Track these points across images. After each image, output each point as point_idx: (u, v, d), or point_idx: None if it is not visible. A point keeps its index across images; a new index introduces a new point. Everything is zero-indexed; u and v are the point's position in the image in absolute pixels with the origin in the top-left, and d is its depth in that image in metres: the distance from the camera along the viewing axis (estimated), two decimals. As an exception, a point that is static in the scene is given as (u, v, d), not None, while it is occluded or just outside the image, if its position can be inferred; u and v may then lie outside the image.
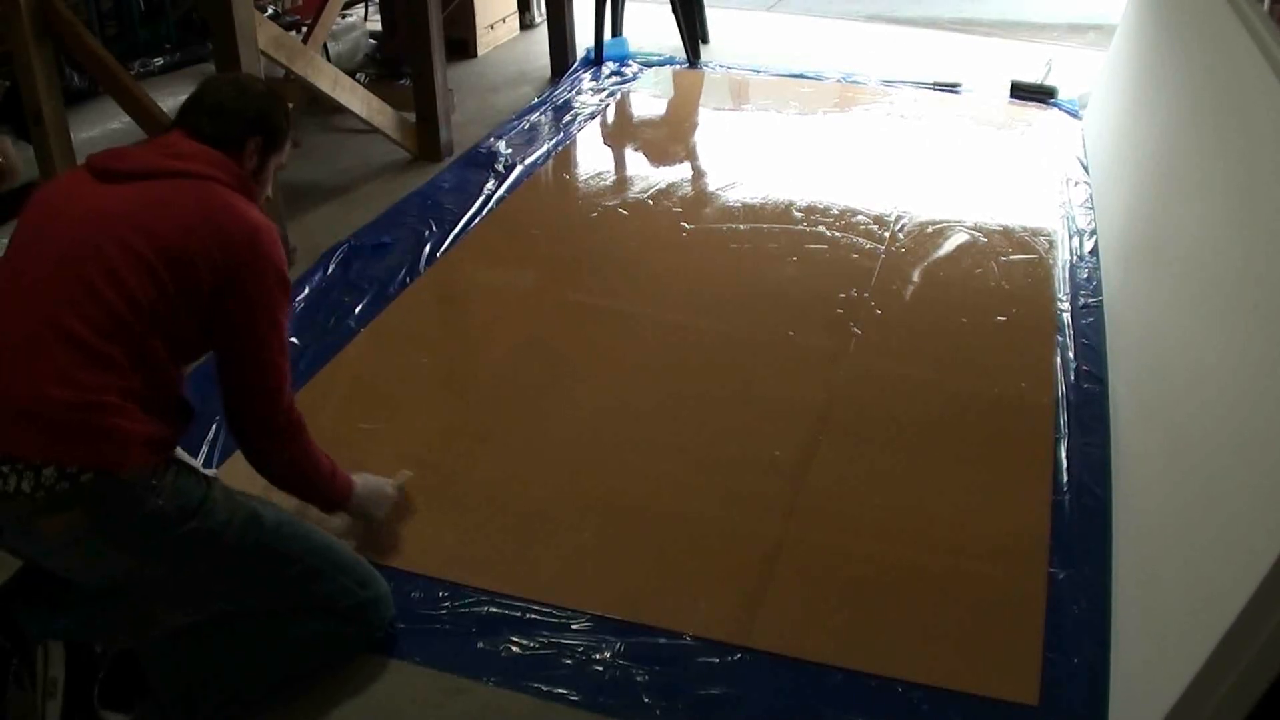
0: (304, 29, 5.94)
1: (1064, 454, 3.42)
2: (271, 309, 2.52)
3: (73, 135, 4.48)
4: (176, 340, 2.42)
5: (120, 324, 2.30)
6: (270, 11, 6.14)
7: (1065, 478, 3.32)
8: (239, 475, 3.22)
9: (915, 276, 4.41)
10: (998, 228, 4.82)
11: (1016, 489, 3.29)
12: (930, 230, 4.78)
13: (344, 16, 6.65)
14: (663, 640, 2.73)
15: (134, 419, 2.29)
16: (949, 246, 4.65)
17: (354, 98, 5.12)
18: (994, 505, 3.22)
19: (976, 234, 4.75)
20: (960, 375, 3.81)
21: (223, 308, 2.44)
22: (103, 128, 4.71)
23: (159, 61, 5.38)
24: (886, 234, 4.74)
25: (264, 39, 4.28)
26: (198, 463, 2.76)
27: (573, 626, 2.78)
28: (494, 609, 2.83)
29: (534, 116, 6.11)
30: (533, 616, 2.81)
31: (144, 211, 2.39)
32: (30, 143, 4.48)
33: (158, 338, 2.36)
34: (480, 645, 2.73)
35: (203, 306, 2.42)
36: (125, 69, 4.55)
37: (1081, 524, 3.14)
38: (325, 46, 5.97)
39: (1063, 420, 3.56)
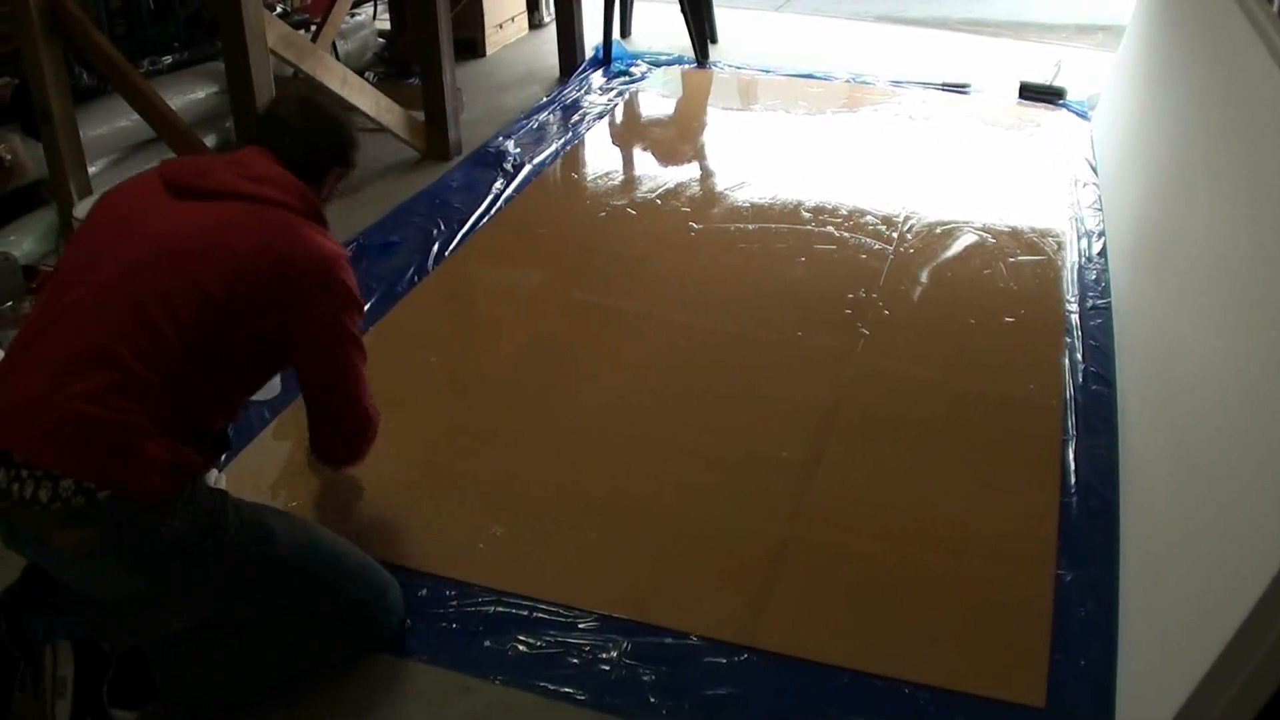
0: (313, 27, 5.95)
1: (1071, 456, 3.41)
2: (350, 330, 2.58)
3: (81, 133, 4.49)
4: (225, 375, 2.42)
5: (167, 355, 2.29)
6: (279, 10, 6.15)
7: (1073, 479, 3.31)
8: (245, 475, 3.26)
9: (923, 277, 4.41)
10: (1006, 229, 4.82)
11: (1024, 490, 3.29)
12: (939, 231, 4.77)
13: (353, 15, 6.65)
14: (669, 640, 2.73)
15: (160, 445, 2.26)
16: (957, 247, 4.65)
17: (363, 96, 5.12)
18: (1001, 506, 3.22)
19: (985, 235, 4.75)
20: (968, 376, 3.81)
21: (296, 336, 2.48)
22: (111, 126, 4.71)
23: (168, 60, 5.38)
24: (895, 234, 4.73)
25: (273, 37, 4.29)
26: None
27: (579, 626, 2.78)
28: (501, 608, 2.83)
29: (542, 116, 6.11)
30: (539, 615, 2.81)
31: (210, 238, 2.38)
32: (39, 141, 4.49)
33: (203, 373, 2.36)
34: (487, 644, 2.73)
35: (265, 338, 2.44)
36: (134, 67, 4.56)
37: (1089, 526, 3.14)
38: (334, 45, 5.97)
39: (1070, 422, 3.56)
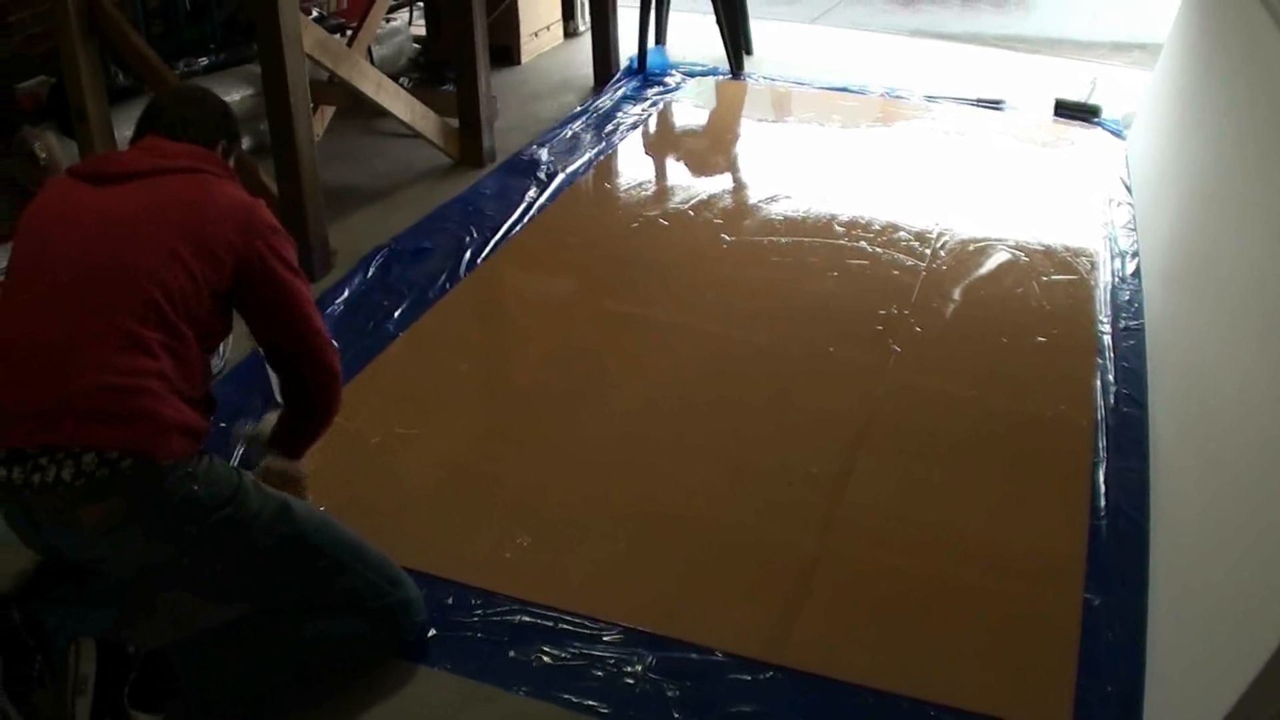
0: (348, 32, 5.96)
1: (1101, 477, 3.39)
2: (288, 259, 2.69)
3: (116, 133, 4.51)
4: (204, 327, 2.52)
5: (161, 316, 2.40)
6: (315, 14, 6.16)
7: (1103, 502, 3.29)
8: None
9: (956, 294, 4.39)
10: (1039, 247, 4.80)
11: (1053, 511, 3.27)
12: (972, 248, 4.75)
13: (388, 20, 6.67)
14: (694, 655, 2.72)
15: (173, 407, 2.37)
16: (990, 265, 4.63)
17: (397, 102, 5.13)
18: (1031, 526, 3.20)
19: (1018, 253, 4.73)
20: (999, 395, 3.79)
21: (253, 284, 2.62)
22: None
23: (204, 61, 5.41)
24: (928, 251, 4.72)
25: (309, 42, 4.29)
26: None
27: (604, 638, 2.77)
28: (526, 618, 2.83)
29: (576, 125, 6.11)
30: (564, 627, 2.80)
31: (159, 210, 2.51)
32: (74, 139, 4.52)
33: (190, 326, 2.46)
34: (511, 654, 2.73)
35: (222, 290, 2.56)
36: (170, 68, 4.58)
37: (1118, 549, 3.12)
38: (369, 50, 5.98)
39: (1101, 443, 3.54)
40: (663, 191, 5.36)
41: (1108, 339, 4.12)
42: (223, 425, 3.43)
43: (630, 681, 2.65)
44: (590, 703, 2.60)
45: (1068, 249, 4.80)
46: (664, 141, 6.21)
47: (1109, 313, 4.30)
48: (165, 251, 2.44)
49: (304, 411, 2.90)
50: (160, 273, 2.41)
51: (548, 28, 7.53)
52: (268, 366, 3.22)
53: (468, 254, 4.65)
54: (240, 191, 2.69)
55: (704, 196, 5.24)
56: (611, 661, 2.70)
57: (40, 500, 2.28)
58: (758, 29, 7.49)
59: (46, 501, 2.28)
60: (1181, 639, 2.58)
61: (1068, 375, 3.91)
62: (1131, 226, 5.01)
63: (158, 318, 2.39)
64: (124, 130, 4.51)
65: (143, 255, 2.42)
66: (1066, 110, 6.40)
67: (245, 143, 5.05)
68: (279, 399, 3.42)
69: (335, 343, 2.92)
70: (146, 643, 2.43)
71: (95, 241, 2.44)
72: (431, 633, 2.76)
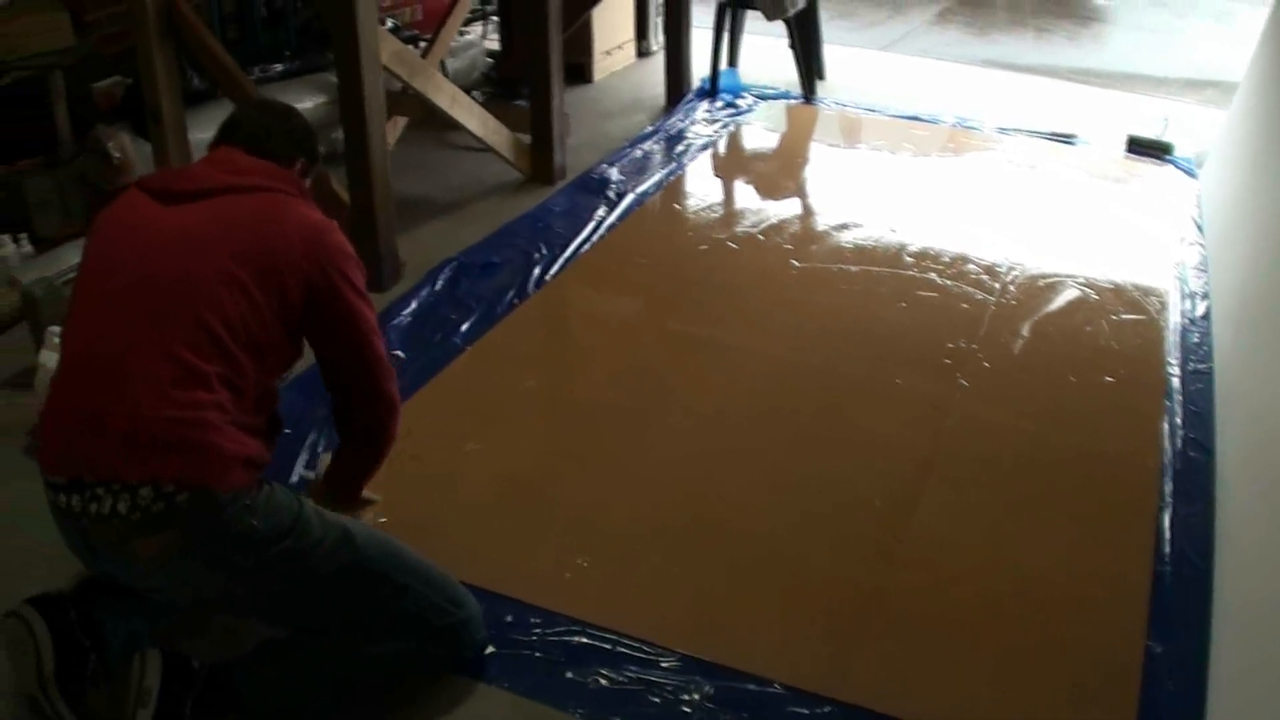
0: (422, 44, 5.99)
1: (1167, 522, 3.35)
2: (361, 289, 2.66)
3: (190, 136, 4.54)
4: (268, 354, 2.50)
5: (217, 344, 2.37)
6: (390, 25, 6.19)
7: (1167, 548, 3.25)
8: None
9: (1025, 330, 4.36)
10: (1109, 285, 4.76)
11: (1117, 555, 3.23)
12: (1041, 284, 4.72)
13: (462, 34, 6.69)
14: (752, 687, 2.71)
15: (232, 439, 2.35)
16: (1060, 301, 4.59)
17: (471, 116, 5.14)
18: (1095, 571, 3.17)
19: (1088, 290, 4.69)
20: (1066, 434, 3.76)
21: (320, 307, 2.57)
22: (220, 130, 4.77)
23: (279, 67, 5.45)
24: (997, 285, 4.69)
25: (386, 53, 4.31)
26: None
27: (662, 664, 2.76)
28: (584, 639, 2.82)
29: (647, 145, 6.12)
30: (622, 650, 2.80)
31: (225, 229, 2.47)
32: (148, 140, 4.56)
33: (252, 354, 2.43)
34: (569, 675, 2.72)
35: (292, 315, 2.52)
36: (245, 73, 4.61)
37: (1181, 595, 3.08)
38: (443, 63, 6.00)
39: (1167, 488, 3.50)
40: (732, 214, 5.36)
41: (1176, 381, 4.08)
42: (287, 431, 3.44)
43: (687, 710, 2.64)
44: (646, 729, 2.59)
45: (1138, 288, 4.76)
46: (734, 164, 6.21)
47: (1178, 355, 4.26)
48: (226, 273, 2.40)
49: (356, 441, 2.85)
50: (220, 297, 2.38)
51: (620, 46, 7.55)
52: None
53: (536, 270, 4.66)
54: (314, 212, 2.65)
55: (773, 221, 5.23)
56: (669, 688, 2.69)
57: (97, 530, 2.29)
58: (830, 54, 7.49)
59: (103, 532, 2.29)
60: (1245, 690, 2.55)
61: (1135, 417, 3.88)
62: (1202, 267, 4.97)
63: (216, 349, 2.36)
64: (197, 133, 4.57)
65: (205, 268, 2.39)
66: (1139, 147, 6.35)
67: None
68: None
69: (400, 352, 2.92)
70: (198, 658, 2.45)
71: (157, 253, 2.43)
72: (490, 650, 2.76)
